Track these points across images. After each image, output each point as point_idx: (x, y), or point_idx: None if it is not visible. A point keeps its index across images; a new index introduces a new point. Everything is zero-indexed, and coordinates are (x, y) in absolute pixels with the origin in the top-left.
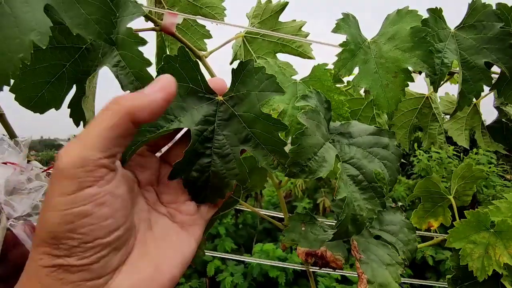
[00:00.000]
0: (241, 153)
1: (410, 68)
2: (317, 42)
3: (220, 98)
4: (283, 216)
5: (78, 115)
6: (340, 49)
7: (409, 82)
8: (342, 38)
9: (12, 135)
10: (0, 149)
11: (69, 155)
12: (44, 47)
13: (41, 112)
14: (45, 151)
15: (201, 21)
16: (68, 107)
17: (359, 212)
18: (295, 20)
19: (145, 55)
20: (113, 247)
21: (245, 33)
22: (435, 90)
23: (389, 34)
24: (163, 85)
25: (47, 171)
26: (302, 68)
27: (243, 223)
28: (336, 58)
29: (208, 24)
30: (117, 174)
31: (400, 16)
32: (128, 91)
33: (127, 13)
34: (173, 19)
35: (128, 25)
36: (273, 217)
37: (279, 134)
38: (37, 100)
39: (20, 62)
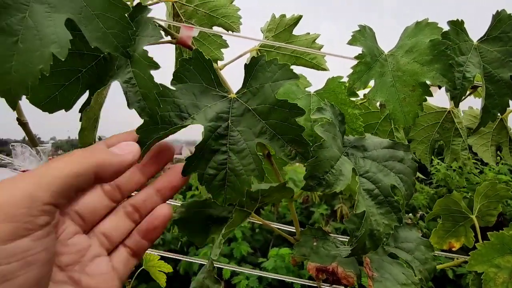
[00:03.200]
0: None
1: (428, 82)
2: (330, 54)
3: (233, 95)
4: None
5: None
6: (353, 61)
7: (428, 97)
8: (349, 46)
9: (34, 143)
10: (21, 157)
11: (13, 191)
12: (63, 59)
13: (50, 112)
14: (71, 150)
15: (217, 31)
16: (79, 112)
17: (376, 227)
18: (309, 33)
19: (164, 68)
20: None
21: (260, 47)
22: (456, 105)
23: (407, 47)
24: (132, 150)
25: None
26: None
27: (260, 227)
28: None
29: (224, 34)
30: (54, 231)
31: (419, 28)
32: (134, 109)
33: (145, 34)
34: (189, 32)
35: (145, 47)
36: (286, 230)
37: (296, 120)
38: (49, 101)
39: (40, 73)
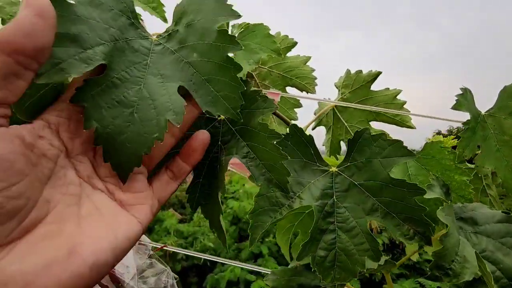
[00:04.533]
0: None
1: None
2: (417, 115)
3: (334, 169)
4: None
5: (194, 201)
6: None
7: None
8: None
9: None
10: None
11: None
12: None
13: None
14: None
15: (291, 91)
16: (186, 193)
17: None
18: (388, 89)
19: None
20: None
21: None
22: None
23: (510, 109)
24: (29, 2)
25: (160, 249)
26: None
27: None
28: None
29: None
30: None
31: None
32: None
33: (255, 106)
34: (275, 98)
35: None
36: None
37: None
38: None
39: (154, 143)
